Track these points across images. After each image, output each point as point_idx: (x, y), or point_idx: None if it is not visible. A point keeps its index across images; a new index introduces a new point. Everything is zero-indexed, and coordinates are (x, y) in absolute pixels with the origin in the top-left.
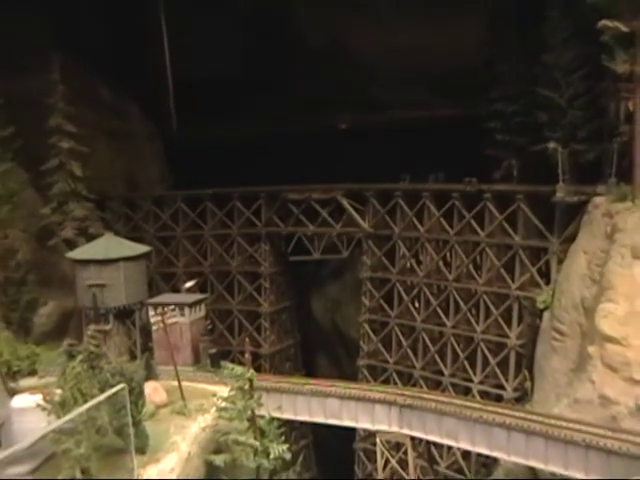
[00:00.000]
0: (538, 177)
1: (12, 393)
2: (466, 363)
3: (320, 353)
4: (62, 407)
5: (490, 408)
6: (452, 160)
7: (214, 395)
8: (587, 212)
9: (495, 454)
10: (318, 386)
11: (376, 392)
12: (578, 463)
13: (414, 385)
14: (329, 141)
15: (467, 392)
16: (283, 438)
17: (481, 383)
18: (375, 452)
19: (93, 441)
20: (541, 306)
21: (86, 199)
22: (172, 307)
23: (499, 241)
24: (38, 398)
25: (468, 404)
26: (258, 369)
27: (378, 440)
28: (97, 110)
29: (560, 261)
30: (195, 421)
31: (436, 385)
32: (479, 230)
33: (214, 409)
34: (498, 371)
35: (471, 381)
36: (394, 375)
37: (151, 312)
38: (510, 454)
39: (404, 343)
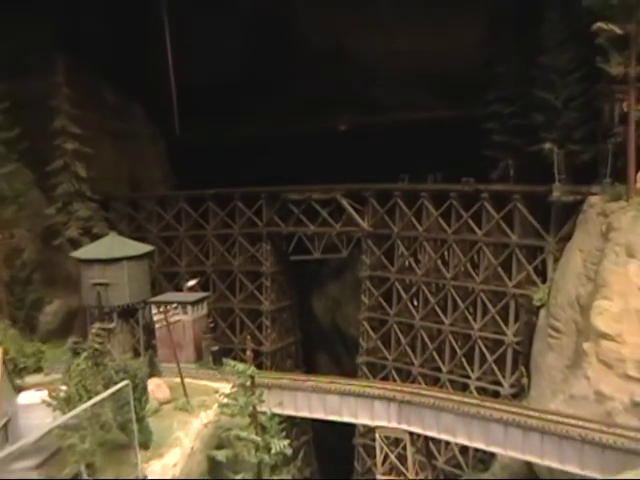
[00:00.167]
0: (534, 177)
1: (18, 390)
2: (464, 360)
3: (320, 351)
4: (67, 403)
5: (487, 404)
6: (450, 160)
7: (216, 392)
8: (582, 211)
9: (492, 449)
10: (318, 383)
11: (375, 388)
12: (574, 457)
13: (413, 382)
14: (329, 142)
15: (465, 388)
16: (284, 434)
17: (478, 380)
18: (374, 448)
19: (97, 436)
20: (537, 304)
21: (90, 199)
22: (175, 305)
23: (496, 240)
24: (44, 394)
25: (466, 400)
26: (259, 366)
27: (377, 436)
28: (101, 112)
29: (556, 259)
30: (198, 417)
31: (434, 382)
32: (476, 229)
33: (216, 405)
34: (495, 368)
35: (469, 378)
36: (393, 372)
37: (154, 310)
38: (507, 449)
39: (403, 341)
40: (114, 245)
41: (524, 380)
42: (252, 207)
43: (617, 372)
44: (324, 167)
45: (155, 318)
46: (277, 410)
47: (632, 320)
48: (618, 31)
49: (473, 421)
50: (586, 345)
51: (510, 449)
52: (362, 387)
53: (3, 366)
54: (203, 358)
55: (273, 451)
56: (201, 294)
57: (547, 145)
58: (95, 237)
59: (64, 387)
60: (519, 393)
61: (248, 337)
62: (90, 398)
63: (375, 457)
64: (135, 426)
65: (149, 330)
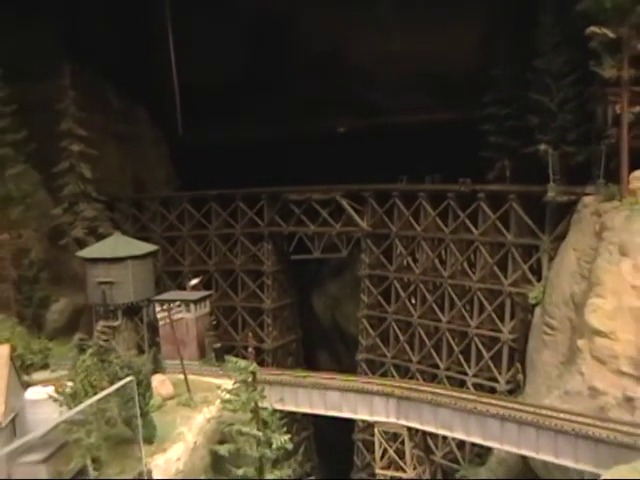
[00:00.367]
0: (530, 178)
1: (26, 386)
2: (461, 357)
3: (321, 348)
4: (73, 399)
5: (484, 399)
6: (447, 162)
7: (219, 388)
8: (577, 211)
9: (489, 443)
10: (319, 379)
11: (374, 385)
12: (568, 451)
13: (411, 378)
14: (329, 143)
15: (462, 385)
16: (285, 429)
17: (475, 376)
18: (373, 443)
19: (103, 431)
20: (533, 302)
21: (96, 200)
22: (178, 304)
23: (492, 239)
24: (50, 390)
25: (463, 396)
26: (261, 363)
27: (376, 431)
28: (106, 115)
29: (551, 258)
30: (200, 412)
31: (432, 378)
32: (473, 229)
33: (219, 401)
34: (491, 364)
35: (465, 374)
36: (392, 369)
37: (158, 308)
38: (503, 443)
39: (401, 338)
40: (119, 245)
41: (520, 376)
42: (253, 207)
43: (610, 368)
44: (324, 168)
45: (159, 316)
46: (278, 406)
47: (625, 317)
48: (611, 35)
49: (470, 416)
50: (580, 342)
51: (506, 444)
52: (361, 383)
53: (11, 363)
54: (206, 355)
55: (274, 446)
56: (204, 292)
57: (542, 146)
58: (100, 237)
59: (70, 383)
60: (515, 389)
61: (250, 334)
62: (95, 394)
63: (374, 452)
64: (139, 421)
65: (153, 327)
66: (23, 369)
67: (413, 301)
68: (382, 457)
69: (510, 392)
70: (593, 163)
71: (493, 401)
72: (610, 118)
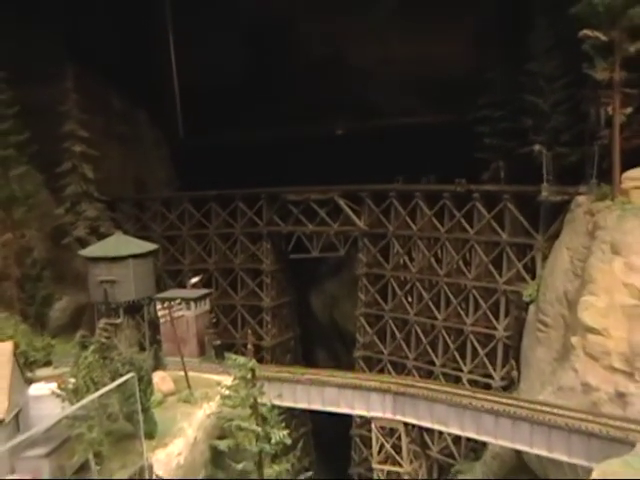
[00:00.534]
0: (524, 178)
1: (29, 382)
2: (456, 354)
3: (319, 345)
4: (75, 395)
5: (479, 395)
6: (443, 162)
7: (218, 384)
8: (570, 211)
9: (483, 438)
10: (317, 375)
11: (371, 381)
12: (561, 446)
13: (407, 375)
14: (327, 145)
15: (457, 381)
16: (284, 424)
17: (470, 372)
18: (370, 438)
19: (104, 426)
20: (527, 299)
21: (97, 200)
22: (179, 302)
23: (487, 238)
24: (53, 386)
25: (458, 392)
26: (260, 360)
27: (373, 426)
28: (108, 117)
29: (545, 257)
30: (200, 408)
31: (428, 374)
32: (468, 228)
33: (218, 397)
34: (486, 361)
35: (461, 371)
36: (388, 365)
37: (159, 306)
38: (497, 438)
39: (398, 335)
40: (120, 244)
41: (514, 373)
42: (253, 207)
43: (603, 364)
44: (322, 169)
45: (160, 314)
46: (277, 402)
47: (617, 315)
48: (603, 38)
49: (465, 412)
50: (573, 339)
51: (501, 438)
52: (359, 379)
53: (14, 359)
54: (206, 352)
55: (273, 441)
56: (204, 291)
57: (536, 147)
58: (102, 236)
59: (72, 379)
60: (509, 385)
61: (249, 332)
62: (97, 390)
63: (371, 447)
64: (141, 416)
65: (154, 325)
66: (26, 366)
67: (410, 299)
68: (379, 452)
69: (505, 388)
70: (586, 163)
71: (488, 397)
72: (602, 119)
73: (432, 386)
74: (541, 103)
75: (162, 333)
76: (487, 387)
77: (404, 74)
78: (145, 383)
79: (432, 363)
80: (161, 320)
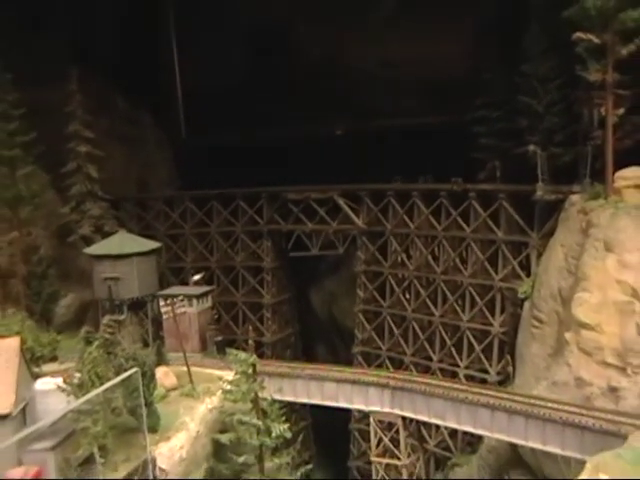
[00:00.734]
0: (519, 177)
1: (35, 377)
2: (453, 349)
3: (318, 341)
4: (80, 389)
5: (475, 390)
6: (440, 162)
7: (220, 379)
8: (564, 209)
9: (479, 432)
10: (316, 370)
11: (370, 376)
12: (555, 439)
13: (405, 370)
14: (327, 145)
15: (454, 376)
16: (284, 418)
17: (467, 368)
18: (369, 432)
19: (109, 420)
20: (522, 296)
21: (102, 199)
22: (181, 298)
23: (483, 236)
24: (59, 381)
25: (455, 386)
26: (261, 356)
27: (371, 420)
28: (112, 118)
29: (539, 254)
30: (203, 403)
31: (425, 370)
32: (465, 226)
33: (220, 392)
34: (482, 357)
35: (457, 366)
36: (386, 361)
37: (162, 303)
38: (493, 432)
39: (396, 331)
40: (124, 242)
41: (509, 368)
42: (253, 206)
43: (596, 359)
44: (322, 168)
45: (163, 310)
46: (277, 396)
47: (610, 311)
48: (596, 40)
49: (462, 406)
50: (567, 335)
51: (496, 432)
52: (357, 374)
53: (21, 355)
54: (208, 348)
55: (273, 434)
56: (206, 288)
57: (531, 147)
58: (106, 235)
59: (78, 374)
60: (505, 380)
61: (250, 328)
62: (102, 384)
63: (370, 441)
64: (144, 411)
65: (157, 321)
66: (33, 361)
67: (407, 296)
68: (377, 445)
69: (500, 383)
70: (579, 163)
71: (484, 391)
72: (595, 120)
73: (429, 381)
74: (535, 104)
75: (165, 329)
76: (483, 382)
77: (403, 75)
78: (148, 378)
79: (429, 358)
80: (164, 316)
